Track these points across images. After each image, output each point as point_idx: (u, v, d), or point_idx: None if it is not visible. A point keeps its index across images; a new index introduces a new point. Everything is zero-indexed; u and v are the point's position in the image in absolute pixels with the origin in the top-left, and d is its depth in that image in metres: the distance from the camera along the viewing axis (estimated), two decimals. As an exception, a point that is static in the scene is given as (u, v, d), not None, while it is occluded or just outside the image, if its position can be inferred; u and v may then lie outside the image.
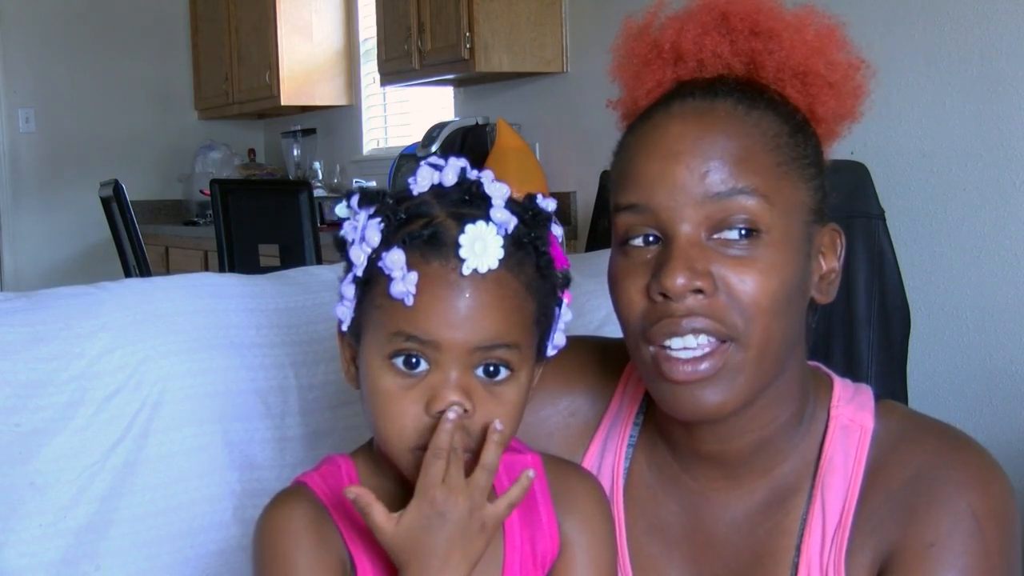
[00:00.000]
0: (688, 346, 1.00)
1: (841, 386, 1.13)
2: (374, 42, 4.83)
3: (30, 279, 6.07)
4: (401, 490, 0.96)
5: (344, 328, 1.00)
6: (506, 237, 0.94)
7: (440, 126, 4.42)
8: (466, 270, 0.92)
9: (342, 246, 0.98)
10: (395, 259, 0.92)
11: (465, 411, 0.93)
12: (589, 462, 1.16)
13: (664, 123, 1.04)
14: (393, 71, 4.58)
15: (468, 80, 4.47)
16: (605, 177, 3.20)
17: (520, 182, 3.41)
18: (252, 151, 6.58)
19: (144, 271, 4.10)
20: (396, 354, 0.94)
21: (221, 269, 3.81)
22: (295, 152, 6.01)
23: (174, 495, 1.41)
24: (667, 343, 1.01)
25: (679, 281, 0.98)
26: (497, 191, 0.95)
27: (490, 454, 0.93)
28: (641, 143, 1.05)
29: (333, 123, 5.86)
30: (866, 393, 1.12)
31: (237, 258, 3.77)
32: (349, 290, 0.97)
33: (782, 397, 1.07)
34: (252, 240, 3.86)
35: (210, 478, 1.43)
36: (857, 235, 2.56)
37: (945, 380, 2.71)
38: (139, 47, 6.39)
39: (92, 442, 1.38)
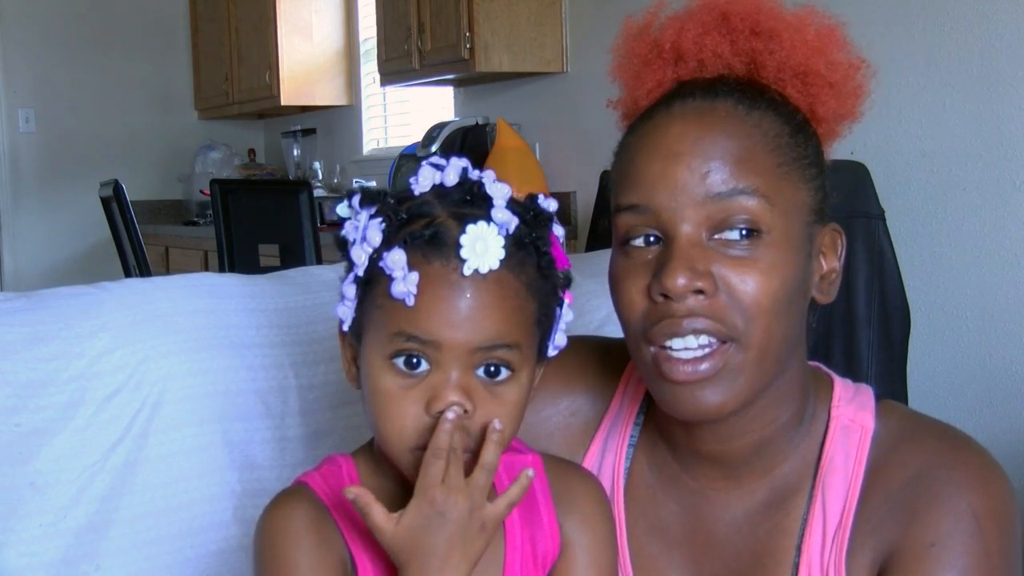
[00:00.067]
0: (689, 346, 1.00)
1: (842, 386, 1.13)
2: (374, 42, 4.83)
3: (30, 279, 6.08)
4: (401, 490, 0.96)
5: (345, 328, 1.00)
6: (507, 237, 0.94)
7: (440, 126, 4.42)
8: (467, 270, 0.92)
9: (343, 246, 0.98)
10: (396, 259, 0.92)
11: (465, 411, 0.93)
12: (590, 462, 1.16)
13: (665, 123, 1.04)
14: (393, 71, 4.58)
15: (468, 80, 4.47)
16: (605, 177, 3.20)
17: (520, 182, 3.40)
18: (252, 151, 6.58)
19: (144, 271, 4.10)
20: (397, 354, 0.94)
21: (221, 269, 3.81)
22: (295, 152, 6.01)
23: (174, 495, 1.41)
24: (668, 343, 1.01)
25: (680, 281, 0.98)
26: (498, 191, 0.95)
27: (489, 454, 0.93)
28: (642, 143, 1.04)
29: (333, 123, 5.86)
30: (867, 393, 1.12)
31: (237, 258, 3.77)
32: (350, 290, 0.97)
33: (783, 397, 1.07)
34: (252, 240, 3.86)
35: (210, 478, 1.43)
36: (857, 235, 2.56)
37: (945, 380, 2.71)
38: (139, 47, 6.39)
39: (92, 442, 1.37)
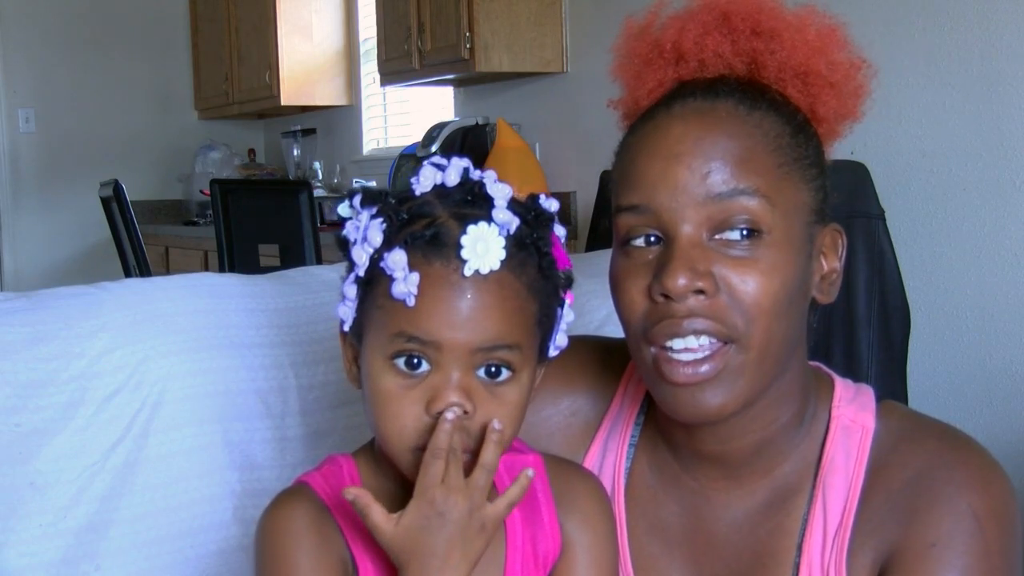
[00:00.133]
0: (689, 347, 1.00)
1: (842, 386, 1.12)
2: (374, 42, 4.83)
3: (30, 279, 6.07)
4: (402, 490, 0.96)
5: (346, 328, 1.00)
6: (508, 238, 0.94)
7: (440, 126, 4.42)
8: (468, 271, 0.92)
9: (344, 246, 0.98)
10: (397, 260, 0.92)
11: (465, 412, 0.93)
12: (590, 462, 1.16)
13: (665, 124, 1.04)
14: (393, 71, 4.58)
15: (468, 80, 4.47)
16: (605, 177, 3.20)
17: (520, 182, 3.40)
18: (252, 151, 6.58)
19: (144, 271, 4.10)
20: (398, 355, 0.94)
21: (221, 269, 3.81)
22: (295, 152, 6.01)
23: (174, 495, 1.41)
24: (668, 344, 1.01)
25: (680, 282, 0.98)
26: (500, 192, 0.95)
27: (489, 454, 0.93)
28: (642, 144, 1.04)
29: (333, 123, 5.86)
30: (867, 394, 1.12)
31: (237, 258, 3.77)
32: (351, 290, 0.97)
33: (783, 398, 1.07)
34: (252, 240, 3.86)
35: (210, 478, 1.43)
36: (857, 235, 2.56)
37: (945, 380, 2.71)
38: (139, 47, 6.39)
39: (92, 442, 1.37)
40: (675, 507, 1.13)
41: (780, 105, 1.05)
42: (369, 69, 5.37)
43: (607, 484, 1.12)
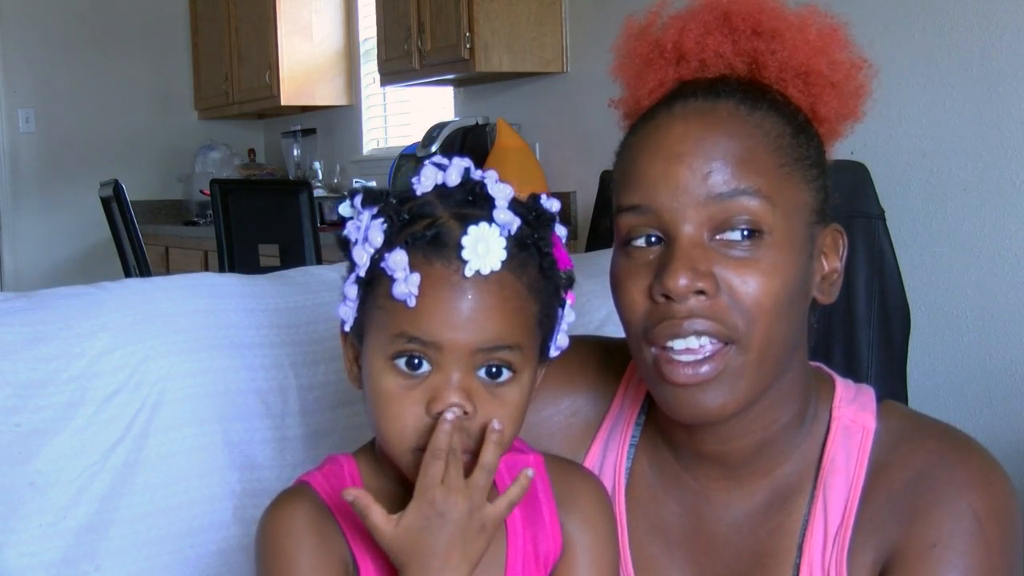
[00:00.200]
0: (690, 347, 1.00)
1: (843, 387, 1.12)
2: (374, 42, 4.83)
3: (30, 279, 6.07)
4: (403, 490, 0.96)
5: (347, 328, 1.00)
6: (509, 238, 0.94)
7: (440, 126, 4.42)
8: (469, 272, 0.92)
9: (345, 246, 0.98)
10: (398, 260, 0.92)
11: (465, 413, 0.93)
12: (591, 462, 1.16)
13: (666, 124, 1.04)
14: (393, 71, 4.58)
15: (468, 80, 4.47)
16: (605, 177, 3.20)
17: (520, 182, 3.40)
18: (252, 151, 6.58)
19: (144, 271, 4.10)
20: (398, 355, 0.94)
21: (221, 269, 3.81)
22: (295, 152, 6.01)
23: (174, 495, 1.41)
24: (669, 344, 1.01)
25: (681, 282, 0.98)
26: (501, 192, 0.95)
27: (488, 454, 0.93)
28: (643, 144, 1.04)
29: (333, 123, 5.86)
30: (868, 394, 1.12)
31: (237, 258, 3.77)
32: (352, 290, 0.97)
33: (784, 398, 1.07)
34: (252, 240, 3.86)
35: (210, 478, 1.43)
36: (857, 235, 2.56)
37: (945, 380, 2.71)
38: (139, 47, 6.39)
39: (92, 442, 1.37)
40: (676, 507, 1.12)
41: (781, 105, 1.05)
42: (369, 69, 5.37)
43: (607, 484, 1.12)
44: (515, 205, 0.95)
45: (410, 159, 4.46)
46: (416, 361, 0.94)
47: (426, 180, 0.96)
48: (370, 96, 5.59)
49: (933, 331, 2.72)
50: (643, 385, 1.14)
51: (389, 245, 0.94)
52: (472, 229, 0.92)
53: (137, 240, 4.15)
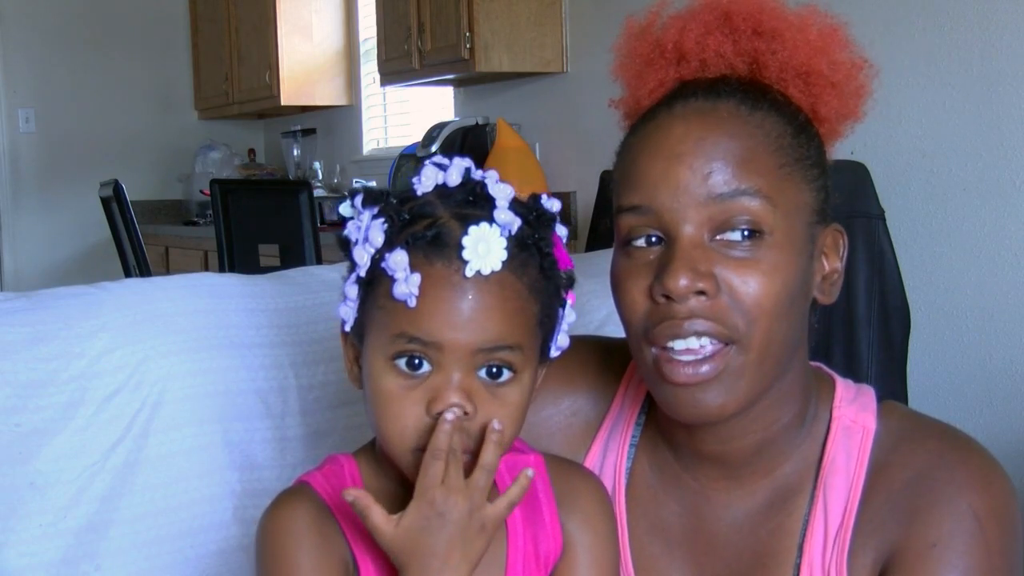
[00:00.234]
0: (690, 347, 1.00)
1: (843, 387, 1.12)
2: (374, 42, 4.83)
3: (30, 279, 6.07)
4: (403, 490, 0.96)
5: (347, 328, 1.00)
6: (510, 239, 0.94)
7: (440, 126, 4.42)
8: (469, 272, 0.92)
9: (345, 246, 0.98)
10: (398, 260, 0.92)
11: (465, 413, 0.93)
12: (591, 462, 1.16)
13: (667, 124, 1.04)
14: (393, 71, 4.58)
15: (468, 80, 4.47)
16: (605, 177, 3.20)
17: (520, 182, 3.39)
18: (252, 151, 6.58)
19: (144, 271, 4.10)
20: (399, 355, 0.94)
21: (221, 269, 3.81)
22: (295, 152, 6.01)
23: (174, 495, 1.41)
24: (669, 345, 1.01)
25: (682, 282, 0.98)
26: (501, 192, 0.95)
27: (488, 454, 0.93)
28: (644, 144, 1.04)
29: (333, 123, 5.86)
30: (868, 394, 1.12)
31: (237, 258, 3.77)
32: (352, 290, 0.97)
33: (784, 398, 1.07)
34: (252, 240, 3.86)
35: (210, 478, 1.43)
36: (857, 235, 2.56)
37: (945, 380, 2.71)
38: (139, 47, 6.39)
39: (92, 442, 1.37)
40: (676, 507, 1.12)
41: (782, 105, 1.05)
42: (369, 69, 5.37)
43: (608, 484, 1.12)
44: (516, 205, 0.95)
45: (410, 159, 4.46)
46: (416, 361, 0.94)
47: (427, 180, 0.96)
48: (370, 96, 5.59)
49: (933, 331, 2.72)
50: (643, 385, 1.14)
51: (390, 245, 0.94)
52: (473, 229, 0.92)
53: (137, 240, 4.15)
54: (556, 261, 0.98)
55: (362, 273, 0.96)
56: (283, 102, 5.62)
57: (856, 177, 2.58)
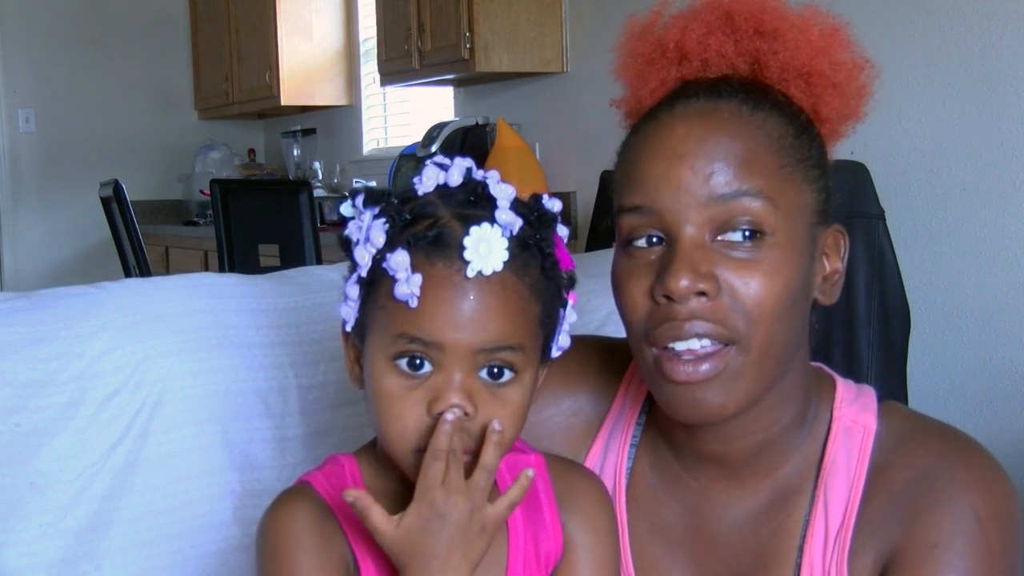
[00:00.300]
0: (691, 348, 1.00)
1: (844, 387, 1.12)
2: (374, 42, 4.84)
3: (30, 279, 6.08)
4: (404, 490, 0.96)
5: (348, 328, 1.00)
6: (511, 239, 0.94)
7: (440, 126, 4.42)
8: (470, 272, 0.92)
9: (346, 246, 0.97)
10: (399, 260, 0.92)
11: (466, 413, 0.93)
12: (591, 462, 1.16)
13: (668, 124, 1.04)
14: (393, 71, 4.58)
15: (468, 80, 4.47)
16: (606, 177, 3.20)
17: (520, 182, 3.39)
18: (252, 151, 6.58)
19: (144, 271, 4.10)
20: (400, 355, 0.94)
21: (221, 269, 3.81)
22: (295, 152, 6.01)
23: (174, 495, 1.41)
24: (670, 345, 1.01)
25: (683, 283, 0.98)
26: (503, 192, 0.95)
27: (489, 454, 0.93)
28: (645, 144, 1.04)
29: (333, 123, 5.86)
30: (869, 394, 1.12)
31: (237, 258, 3.77)
32: (353, 290, 0.97)
33: (785, 399, 1.07)
34: (252, 240, 3.86)
35: (210, 478, 1.43)
36: (857, 235, 2.56)
37: (945, 380, 2.71)
38: (139, 47, 6.39)
39: (92, 442, 1.37)
40: (676, 507, 1.12)
41: (783, 106, 1.05)
42: (369, 69, 5.37)
43: (608, 484, 1.12)
44: (517, 205, 0.95)
45: (410, 159, 4.46)
46: (418, 361, 0.94)
47: (428, 180, 0.96)
48: (370, 96, 5.59)
49: (933, 331, 2.72)
50: (644, 385, 1.14)
51: (391, 245, 0.94)
52: (474, 229, 0.92)
53: (137, 240, 4.15)
54: (557, 261, 0.98)
55: (363, 273, 0.96)
56: (283, 102, 5.62)
57: (856, 177, 2.58)
